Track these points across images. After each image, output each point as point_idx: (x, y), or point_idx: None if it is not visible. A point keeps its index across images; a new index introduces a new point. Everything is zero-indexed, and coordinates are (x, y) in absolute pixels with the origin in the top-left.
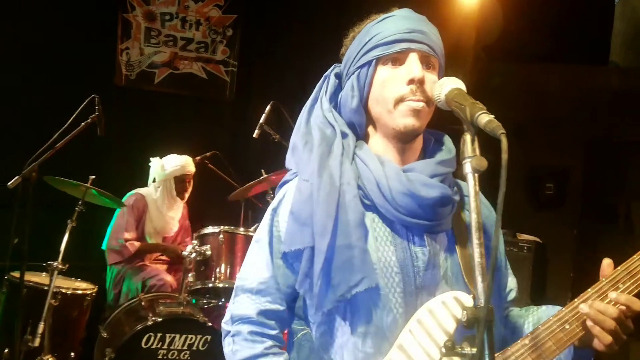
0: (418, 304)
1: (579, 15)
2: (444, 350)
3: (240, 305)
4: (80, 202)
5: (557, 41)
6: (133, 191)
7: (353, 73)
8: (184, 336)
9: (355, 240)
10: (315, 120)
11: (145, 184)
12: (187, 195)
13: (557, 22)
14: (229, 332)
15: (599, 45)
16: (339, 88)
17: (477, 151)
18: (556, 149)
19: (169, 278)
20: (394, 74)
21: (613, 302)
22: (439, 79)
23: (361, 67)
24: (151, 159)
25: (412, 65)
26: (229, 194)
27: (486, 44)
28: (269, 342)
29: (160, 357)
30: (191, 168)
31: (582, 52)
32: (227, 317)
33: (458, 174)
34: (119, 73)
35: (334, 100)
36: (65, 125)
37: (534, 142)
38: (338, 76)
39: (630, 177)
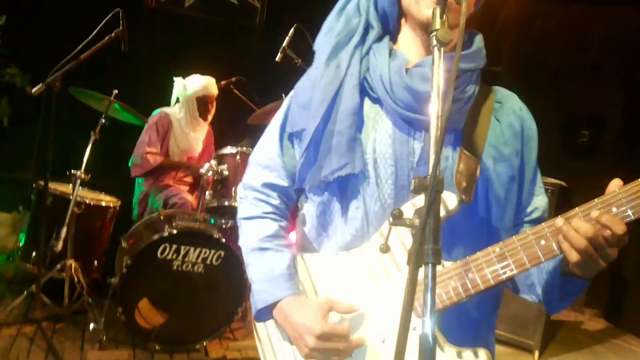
0: (410, 198)
1: None
2: (391, 219)
3: (251, 175)
4: (103, 115)
5: None
6: (158, 109)
7: None
8: (198, 249)
9: (346, 127)
10: (350, 7)
11: (169, 104)
12: (209, 117)
13: None
14: (240, 195)
15: None
16: None
17: (446, 24)
18: (594, 94)
19: (190, 198)
20: None
21: (594, 222)
22: None
23: None
24: (174, 78)
25: None
26: None
27: None
28: (269, 208)
29: (175, 267)
30: (213, 90)
31: None
32: (240, 183)
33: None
34: None
35: None
36: (90, 38)
37: (573, 87)
38: None
39: None
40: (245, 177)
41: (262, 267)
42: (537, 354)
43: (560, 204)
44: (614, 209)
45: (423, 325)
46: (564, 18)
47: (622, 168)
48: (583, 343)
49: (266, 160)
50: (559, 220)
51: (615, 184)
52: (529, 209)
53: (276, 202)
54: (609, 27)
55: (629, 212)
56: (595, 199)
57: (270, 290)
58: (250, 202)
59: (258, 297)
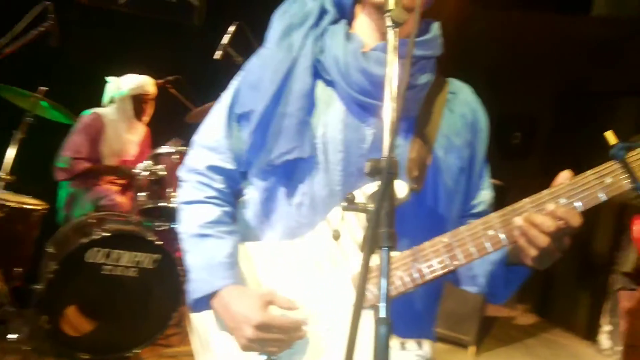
0: (359, 185)
1: None
2: (345, 203)
3: (194, 157)
4: (29, 113)
5: None
6: (90, 110)
7: None
8: (132, 253)
9: (296, 109)
10: None
11: (102, 104)
12: (145, 118)
13: None
14: (181, 178)
15: None
16: None
17: (400, 4)
18: (527, 97)
19: (121, 199)
20: None
21: (550, 215)
22: None
23: None
24: (108, 78)
25: None
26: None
27: None
28: (212, 192)
29: (105, 272)
30: (149, 88)
31: (565, 1)
32: (182, 166)
33: None
34: None
35: None
36: (16, 33)
37: (506, 89)
38: None
39: (602, 130)
40: (188, 159)
41: (201, 255)
42: (472, 349)
43: (497, 202)
44: (563, 200)
45: (377, 311)
46: (499, 23)
47: (554, 168)
48: (515, 338)
49: (211, 142)
50: (518, 219)
51: (565, 175)
52: (473, 202)
53: (220, 186)
54: (541, 32)
55: (578, 204)
56: (544, 191)
57: (209, 279)
58: (193, 185)
59: (195, 286)
